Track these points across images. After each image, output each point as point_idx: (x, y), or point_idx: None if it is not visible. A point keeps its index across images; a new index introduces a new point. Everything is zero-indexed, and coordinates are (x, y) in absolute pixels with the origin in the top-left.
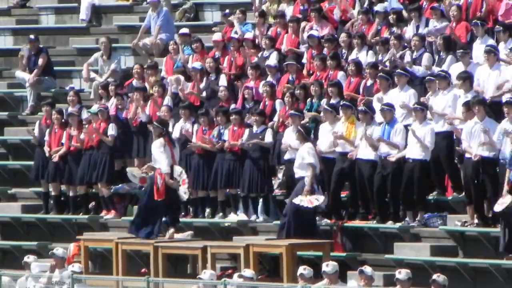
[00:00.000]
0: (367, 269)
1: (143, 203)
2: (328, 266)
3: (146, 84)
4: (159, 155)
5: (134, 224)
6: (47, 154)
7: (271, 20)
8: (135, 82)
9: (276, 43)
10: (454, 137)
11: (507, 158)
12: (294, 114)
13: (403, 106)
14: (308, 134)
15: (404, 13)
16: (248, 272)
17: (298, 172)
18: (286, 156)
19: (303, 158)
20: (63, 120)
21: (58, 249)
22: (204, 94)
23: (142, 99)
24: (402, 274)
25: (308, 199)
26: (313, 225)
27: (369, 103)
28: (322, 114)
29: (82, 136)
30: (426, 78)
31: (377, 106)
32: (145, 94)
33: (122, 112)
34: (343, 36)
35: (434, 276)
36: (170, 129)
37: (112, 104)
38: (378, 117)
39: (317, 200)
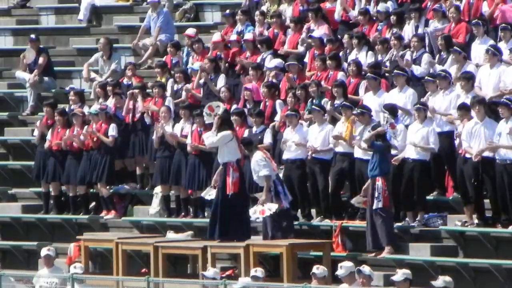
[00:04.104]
0: (365, 268)
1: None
2: (342, 269)
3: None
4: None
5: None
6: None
7: (268, 19)
8: (125, 81)
9: (274, 44)
10: (455, 137)
11: (506, 158)
12: (291, 115)
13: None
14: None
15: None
16: (259, 272)
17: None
18: (285, 156)
19: (257, 172)
20: (65, 120)
21: (50, 249)
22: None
23: (142, 99)
24: (398, 275)
25: (261, 209)
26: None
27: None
28: (310, 114)
29: (81, 137)
30: (425, 78)
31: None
32: (144, 93)
33: (121, 111)
34: (345, 37)
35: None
36: (170, 129)
37: (110, 103)
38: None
39: (269, 210)
